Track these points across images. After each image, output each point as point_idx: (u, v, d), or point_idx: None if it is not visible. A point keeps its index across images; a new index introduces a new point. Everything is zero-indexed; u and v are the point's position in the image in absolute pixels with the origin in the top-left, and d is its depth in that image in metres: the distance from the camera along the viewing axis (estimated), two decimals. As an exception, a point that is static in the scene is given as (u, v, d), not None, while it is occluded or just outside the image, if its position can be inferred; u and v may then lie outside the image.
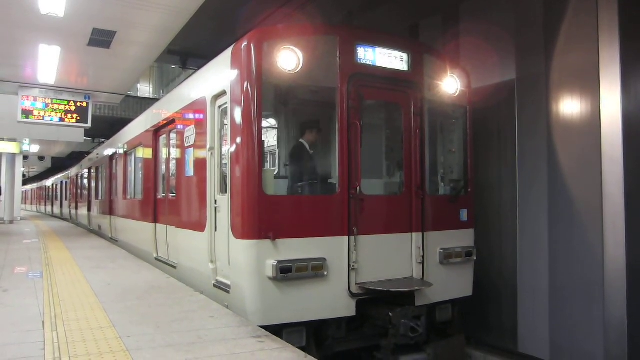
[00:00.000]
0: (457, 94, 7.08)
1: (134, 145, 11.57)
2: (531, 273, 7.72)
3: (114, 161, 14.01)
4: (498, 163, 8.42)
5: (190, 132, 7.44)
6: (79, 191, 22.76)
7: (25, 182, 38.52)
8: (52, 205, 36.50)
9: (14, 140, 23.95)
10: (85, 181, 20.47)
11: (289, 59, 5.70)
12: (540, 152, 7.62)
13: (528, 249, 7.80)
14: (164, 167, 9.22)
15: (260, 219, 5.50)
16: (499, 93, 8.20)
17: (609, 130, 6.74)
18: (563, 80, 7.41)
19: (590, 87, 6.99)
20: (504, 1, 8.35)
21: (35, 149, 26.80)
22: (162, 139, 9.37)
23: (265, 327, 5.03)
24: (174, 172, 8.40)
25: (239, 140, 5.71)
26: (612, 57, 6.73)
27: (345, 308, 5.89)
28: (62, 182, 30.26)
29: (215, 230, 6.42)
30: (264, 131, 5.92)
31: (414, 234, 6.45)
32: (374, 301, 6.09)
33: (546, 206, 7.52)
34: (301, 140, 6.79)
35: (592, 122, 6.94)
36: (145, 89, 29.03)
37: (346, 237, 5.90)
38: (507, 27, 8.19)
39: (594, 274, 6.85)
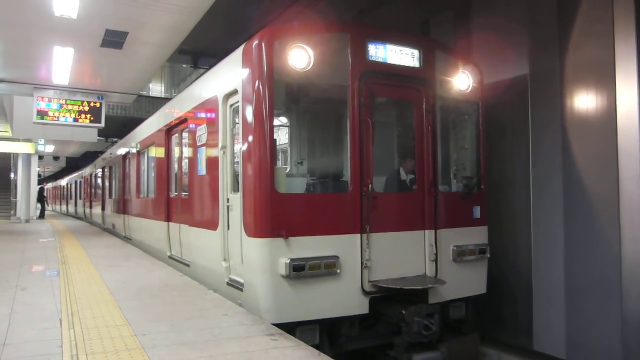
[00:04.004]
0: (469, 90, 7.04)
1: (146, 144, 11.65)
2: (546, 270, 7.65)
3: (127, 160, 14.12)
4: (511, 159, 8.36)
5: (202, 131, 7.47)
6: (92, 190, 22.99)
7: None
8: (67, 204, 36.90)
9: (29, 140, 24.24)
10: (99, 180, 20.67)
11: (300, 57, 5.71)
12: (555, 148, 7.55)
13: (543, 245, 7.74)
14: (176, 166, 9.27)
15: (273, 217, 5.51)
16: (511, 88, 8.14)
17: (626, 125, 6.66)
18: (578, 75, 7.33)
19: (606, 82, 6.90)
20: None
21: (50, 149, 27.11)
22: (175, 138, 9.42)
23: (279, 325, 5.06)
24: (187, 170, 8.45)
25: (250, 138, 5.73)
26: (629, 51, 6.64)
27: (358, 306, 5.89)
28: (76, 182, 30.60)
29: (228, 228, 6.44)
30: (275, 129, 5.94)
31: (426, 231, 6.43)
32: (387, 299, 6.07)
33: (561, 202, 7.45)
34: None
35: (608, 117, 6.86)
36: (157, 89, 29.21)
37: (359, 235, 5.89)
38: (519, 21, 8.11)
39: (610, 270, 6.78)
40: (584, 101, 7.23)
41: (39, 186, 28.56)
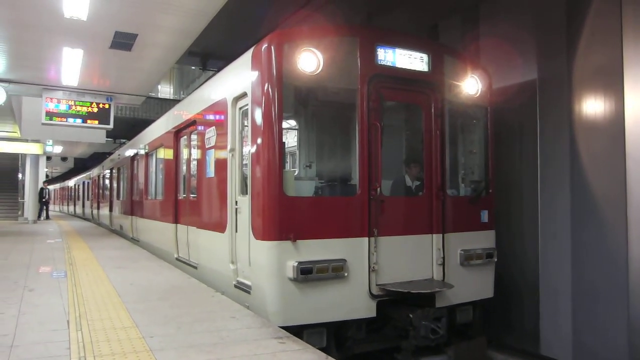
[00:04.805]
0: (477, 95, 7.03)
1: (155, 146, 11.69)
2: (553, 274, 7.63)
3: (135, 162, 14.18)
4: (519, 164, 8.34)
5: (211, 133, 7.50)
6: (100, 191, 23.09)
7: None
8: (75, 205, 37.07)
9: (37, 141, 24.37)
10: (107, 182, 20.76)
11: (309, 61, 5.72)
12: (563, 152, 7.54)
13: (550, 249, 7.72)
14: (184, 168, 9.30)
15: (281, 220, 5.52)
16: (520, 93, 8.13)
17: (633, 130, 6.66)
18: (586, 81, 7.32)
19: (613, 88, 6.90)
20: (525, 2, 8.26)
21: (58, 150, 27.24)
22: (183, 140, 9.46)
23: (286, 328, 5.06)
24: (195, 173, 8.47)
25: (259, 141, 5.74)
26: (637, 58, 6.63)
27: (366, 309, 5.89)
28: (84, 183, 30.72)
29: (236, 231, 6.46)
30: (284, 132, 5.95)
31: (434, 235, 6.42)
32: (394, 302, 6.07)
33: (569, 207, 7.44)
34: None
35: (616, 123, 6.86)
36: (165, 90, 29.30)
37: (366, 239, 5.89)
38: (528, 27, 8.11)
39: (618, 274, 6.76)
40: (592, 107, 7.22)
41: (40, 187, 27.34)
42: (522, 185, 8.29)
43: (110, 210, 19.29)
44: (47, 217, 28.54)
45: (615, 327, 6.78)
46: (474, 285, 6.78)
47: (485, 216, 7.02)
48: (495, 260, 7.01)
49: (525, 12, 8.22)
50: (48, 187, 30.20)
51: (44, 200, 27.76)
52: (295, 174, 7.65)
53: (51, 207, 47.18)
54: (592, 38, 7.26)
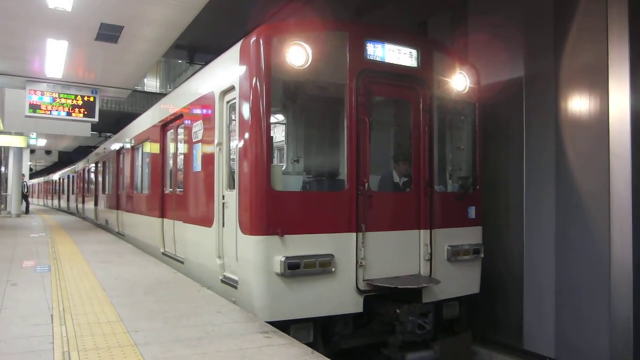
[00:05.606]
0: (466, 91, 7.05)
1: (141, 140, 11.59)
2: (538, 270, 7.70)
3: (121, 156, 14.04)
4: (506, 160, 8.39)
5: (198, 127, 7.44)
6: (85, 185, 22.86)
7: (31, 176, 38.73)
8: (59, 199, 36.66)
9: (21, 134, 24.04)
10: (92, 175, 20.54)
11: (298, 55, 5.68)
12: (548, 149, 7.59)
13: (535, 246, 7.78)
14: (171, 162, 9.23)
15: (268, 215, 5.49)
16: (507, 90, 8.16)
17: (617, 128, 6.72)
18: (572, 78, 7.37)
19: (599, 86, 6.96)
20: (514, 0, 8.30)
21: (42, 143, 26.89)
22: (170, 133, 9.38)
23: (273, 323, 5.05)
24: (182, 167, 8.41)
25: (247, 135, 5.70)
26: (622, 56, 6.70)
27: (353, 304, 5.89)
28: (68, 176, 30.38)
29: (223, 225, 6.42)
30: (272, 127, 5.91)
31: (421, 231, 6.44)
32: (381, 298, 6.08)
33: (553, 204, 7.50)
34: None
35: (601, 121, 6.91)
36: (152, 84, 29.04)
37: (354, 234, 5.89)
38: (516, 25, 8.14)
39: (600, 271, 6.83)
40: (578, 105, 7.28)
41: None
42: (508, 181, 8.34)
43: (96, 204, 19.11)
44: (27, 212, 27.82)
45: (598, 324, 6.86)
46: (460, 281, 6.82)
47: (472, 212, 7.06)
48: (482, 256, 7.06)
49: (513, 10, 8.26)
50: (27, 180, 29.39)
51: (24, 194, 26.95)
52: (283, 168, 7.63)
53: (35, 201, 46.65)
54: (579, 37, 7.31)
